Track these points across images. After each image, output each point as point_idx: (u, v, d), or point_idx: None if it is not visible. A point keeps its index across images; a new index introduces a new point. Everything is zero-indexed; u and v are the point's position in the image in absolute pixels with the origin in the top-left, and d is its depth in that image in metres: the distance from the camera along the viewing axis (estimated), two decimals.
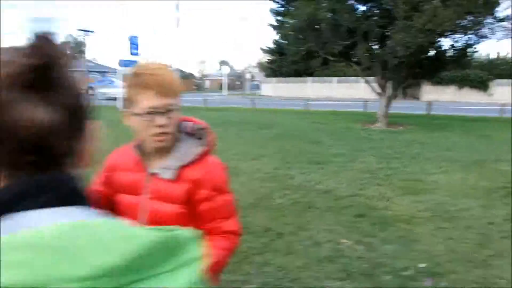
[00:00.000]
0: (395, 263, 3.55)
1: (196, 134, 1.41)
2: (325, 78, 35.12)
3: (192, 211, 1.36)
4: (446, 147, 9.64)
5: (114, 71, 30.21)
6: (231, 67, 60.31)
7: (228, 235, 1.40)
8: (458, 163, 7.69)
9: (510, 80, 29.98)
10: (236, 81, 52.62)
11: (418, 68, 14.44)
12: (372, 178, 6.43)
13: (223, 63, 52.53)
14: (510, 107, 18.14)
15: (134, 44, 18.16)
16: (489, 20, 13.00)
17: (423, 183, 6.20)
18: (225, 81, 46.88)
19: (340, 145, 9.71)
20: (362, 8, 13.73)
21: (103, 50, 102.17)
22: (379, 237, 4.12)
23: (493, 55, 34.63)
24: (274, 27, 17.38)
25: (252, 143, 9.70)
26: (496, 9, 12.76)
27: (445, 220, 4.63)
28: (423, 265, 3.51)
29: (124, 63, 18.05)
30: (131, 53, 18.05)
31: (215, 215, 1.39)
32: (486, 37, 13.78)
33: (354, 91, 30.68)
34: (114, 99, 19.48)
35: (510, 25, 14.15)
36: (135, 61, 18.33)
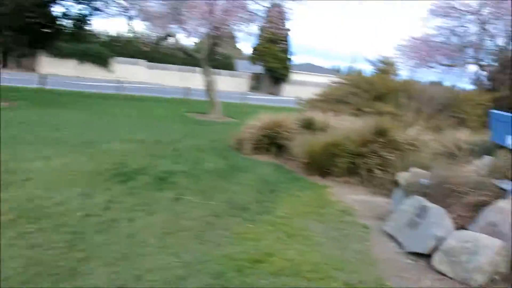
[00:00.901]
0: None
1: None
2: None
3: None
4: (56, 127, 8.77)
5: None
6: None
7: None
8: (66, 145, 7.02)
9: (130, 58, 32.16)
10: None
11: (26, 34, 12.74)
12: None
13: None
14: (129, 85, 19.17)
15: None
16: None
17: (16, 173, 5.10)
18: None
19: None
20: None
21: None
22: None
23: (114, 33, 35.79)
24: None
25: None
26: None
27: (34, 221, 3.77)
28: None
29: None
30: None
31: None
32: (100, 10, 13.69)
33: None
34: None
35: (125, 3, 14.47)
36: None
